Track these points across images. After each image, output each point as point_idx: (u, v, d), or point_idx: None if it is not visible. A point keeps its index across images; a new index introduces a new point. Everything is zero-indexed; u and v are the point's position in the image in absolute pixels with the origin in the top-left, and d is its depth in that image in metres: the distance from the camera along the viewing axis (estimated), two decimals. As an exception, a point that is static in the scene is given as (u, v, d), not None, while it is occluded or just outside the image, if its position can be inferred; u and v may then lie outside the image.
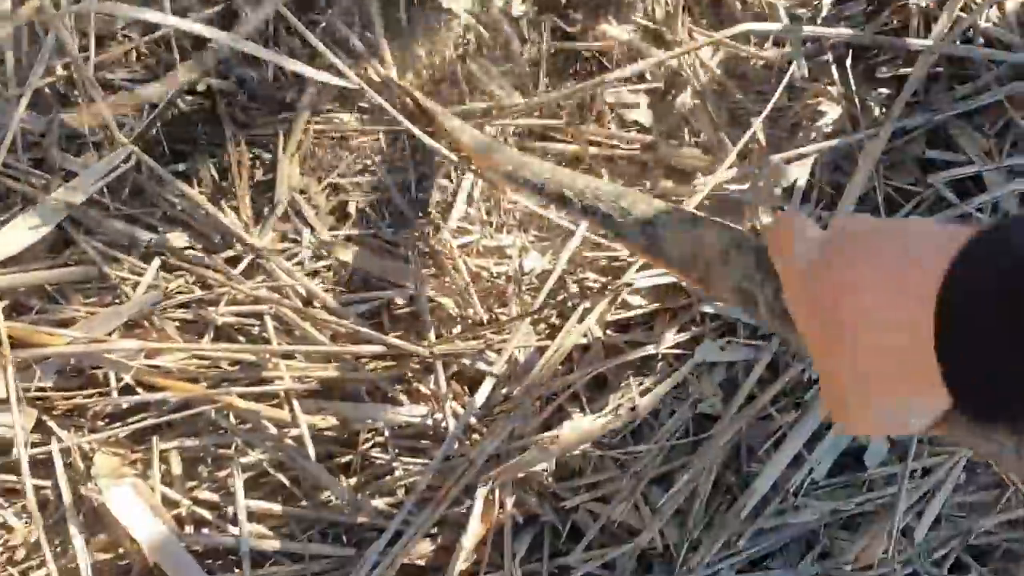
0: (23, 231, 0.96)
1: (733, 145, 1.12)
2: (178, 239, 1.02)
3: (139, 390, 0.97)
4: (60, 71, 1.01)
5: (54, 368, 0.97)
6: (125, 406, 0.98)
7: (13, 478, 0.96)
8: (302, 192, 1.08)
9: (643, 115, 1.17)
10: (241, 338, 1.02)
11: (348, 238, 1.08)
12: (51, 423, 0.96)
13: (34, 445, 0.95)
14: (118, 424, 0.97)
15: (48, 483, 0.97)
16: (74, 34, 0.98)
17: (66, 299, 0.98)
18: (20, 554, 0.96)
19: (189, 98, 1.07)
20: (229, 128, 1.07)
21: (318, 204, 1.09)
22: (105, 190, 1.01)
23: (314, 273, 1.07)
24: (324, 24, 1.09)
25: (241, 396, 0.98)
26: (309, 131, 1.09)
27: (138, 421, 0.97)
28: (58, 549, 0.96)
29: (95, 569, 0.94)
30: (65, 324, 0.97)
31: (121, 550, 0.97)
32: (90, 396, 0.97)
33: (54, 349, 0.94)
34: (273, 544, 0.98)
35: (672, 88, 1.18)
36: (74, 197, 0.97)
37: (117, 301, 0.99)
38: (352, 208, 1.09)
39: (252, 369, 1.01)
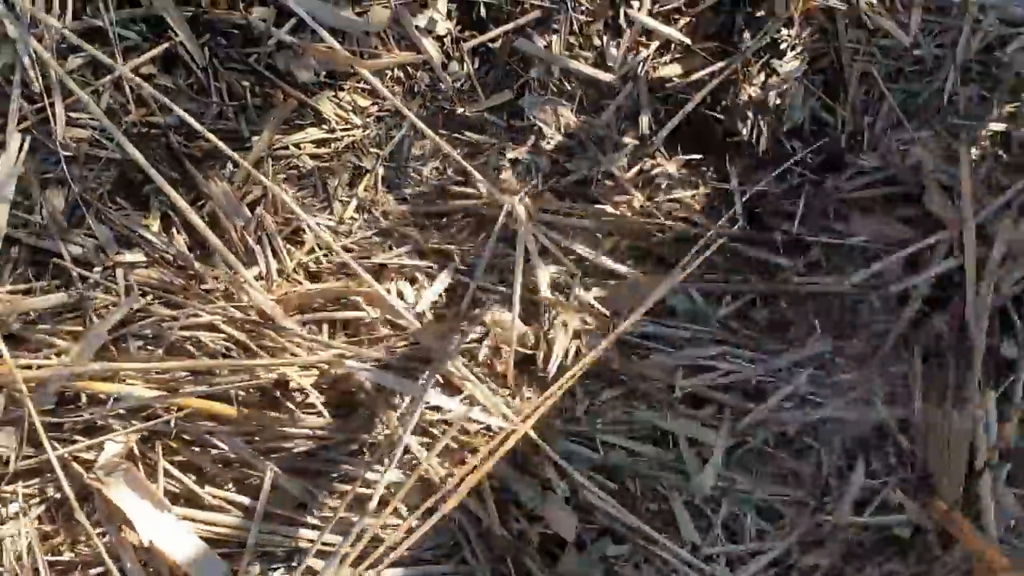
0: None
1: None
2: (137, 263, 1.16)
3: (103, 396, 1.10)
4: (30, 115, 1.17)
5: (53, 392, 1.09)
6: (99, 420, 1.11)
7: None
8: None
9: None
10: (197, 352, 1.14)
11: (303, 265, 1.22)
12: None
13: (27, 457, 1.08)
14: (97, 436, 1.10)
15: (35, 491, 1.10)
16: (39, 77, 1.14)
17: (44, 323, 1.12)
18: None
19: (143, 131, 1.21)
20: (179, 161, 1.21)
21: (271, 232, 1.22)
22: (66, 220, 1.15)
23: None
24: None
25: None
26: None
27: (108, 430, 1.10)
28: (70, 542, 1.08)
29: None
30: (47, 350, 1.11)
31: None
32: (69, 411, 1.10)
33: (42, 373, 1.07)
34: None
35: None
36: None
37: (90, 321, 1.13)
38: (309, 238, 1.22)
39: (207, 377, 1.13)
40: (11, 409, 1.08)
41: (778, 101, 1.32)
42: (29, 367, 1.07)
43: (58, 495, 1.09)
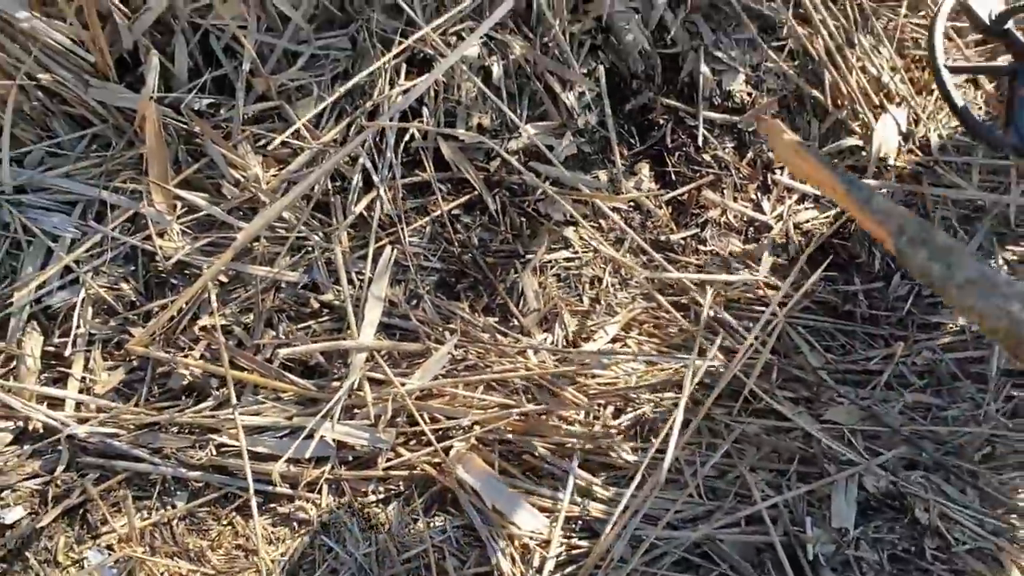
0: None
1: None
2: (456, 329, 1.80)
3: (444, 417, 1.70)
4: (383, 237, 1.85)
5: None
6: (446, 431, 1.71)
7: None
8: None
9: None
10: (502, 387, 1.75)
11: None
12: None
13: (388, 460, 1.66)
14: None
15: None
16: (393, 212, 1.83)
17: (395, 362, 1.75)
18: None
19: (455, 251, 1.89)
20: (480, 267, 1.88)
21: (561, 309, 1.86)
22: (407, 304, 1.81)
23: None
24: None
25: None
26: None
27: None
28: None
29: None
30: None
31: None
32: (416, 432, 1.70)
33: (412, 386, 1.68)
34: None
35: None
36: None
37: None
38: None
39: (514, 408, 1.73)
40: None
41: (885, 235, 1.98)
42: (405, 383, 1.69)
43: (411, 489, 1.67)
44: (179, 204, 1.84)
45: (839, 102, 2.06)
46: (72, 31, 1.77)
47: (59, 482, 1.65)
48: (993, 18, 1.96)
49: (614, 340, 1.86)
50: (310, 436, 1.67)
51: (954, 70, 1.95)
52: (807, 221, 2.00)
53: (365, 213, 1.88)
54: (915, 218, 0.99)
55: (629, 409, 1.78)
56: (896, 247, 1.08)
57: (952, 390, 1.87)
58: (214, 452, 1.67)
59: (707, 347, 1.81)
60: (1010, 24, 1.95)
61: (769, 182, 2.04)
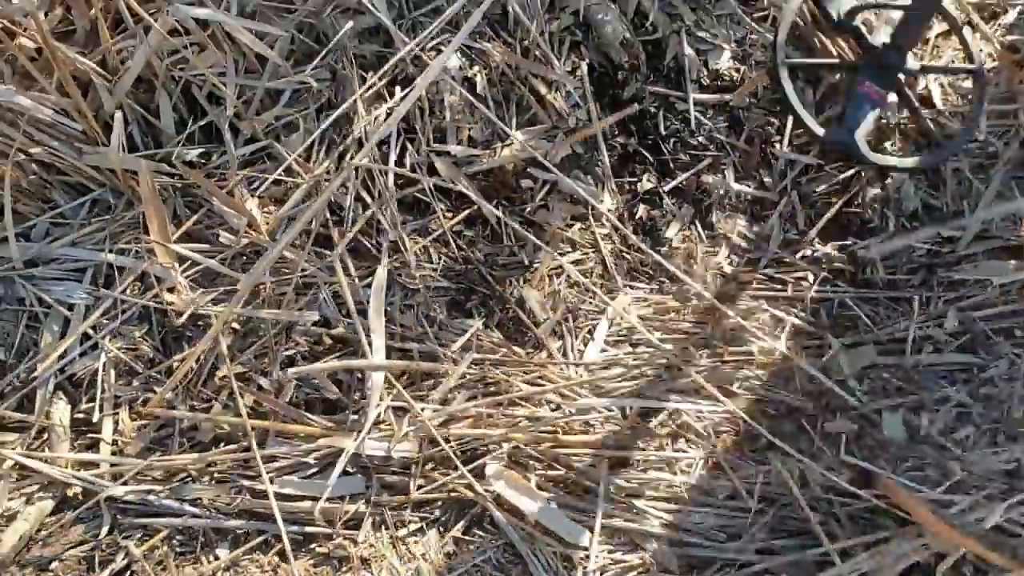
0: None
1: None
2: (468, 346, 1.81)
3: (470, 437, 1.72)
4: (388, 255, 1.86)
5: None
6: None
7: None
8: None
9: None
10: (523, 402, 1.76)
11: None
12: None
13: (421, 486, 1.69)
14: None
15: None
16: (398, 238, 1.84)
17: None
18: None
19: (461, 267, 1.89)
20: (488, 281, 1.88)
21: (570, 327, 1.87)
22: (417, 326, 1.82)
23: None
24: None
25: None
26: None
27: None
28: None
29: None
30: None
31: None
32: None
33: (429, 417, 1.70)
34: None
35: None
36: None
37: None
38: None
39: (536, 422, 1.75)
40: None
41: (896, 195, 1.95)
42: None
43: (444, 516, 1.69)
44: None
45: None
46: (56, 102, 1.80)
47: (103, 546, 1.69)
48: (842, 15, 1.99)
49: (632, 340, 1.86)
50: (343, 472, 1.69)
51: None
52: (814, 192, 1.98)
53: (367, 241, 1.89)
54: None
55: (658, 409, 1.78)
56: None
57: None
58: (249, 497, 1.70)
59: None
60: (858, 20, 1.97)
61: (769, 156, 2.02)
